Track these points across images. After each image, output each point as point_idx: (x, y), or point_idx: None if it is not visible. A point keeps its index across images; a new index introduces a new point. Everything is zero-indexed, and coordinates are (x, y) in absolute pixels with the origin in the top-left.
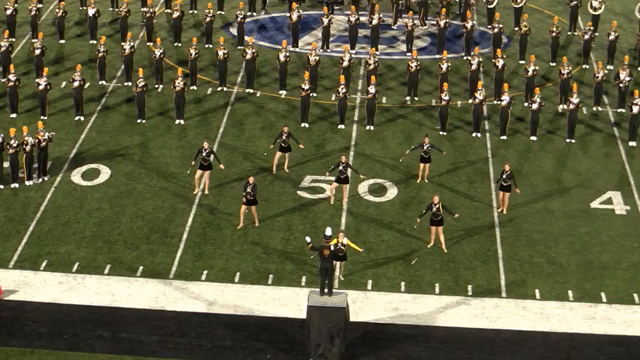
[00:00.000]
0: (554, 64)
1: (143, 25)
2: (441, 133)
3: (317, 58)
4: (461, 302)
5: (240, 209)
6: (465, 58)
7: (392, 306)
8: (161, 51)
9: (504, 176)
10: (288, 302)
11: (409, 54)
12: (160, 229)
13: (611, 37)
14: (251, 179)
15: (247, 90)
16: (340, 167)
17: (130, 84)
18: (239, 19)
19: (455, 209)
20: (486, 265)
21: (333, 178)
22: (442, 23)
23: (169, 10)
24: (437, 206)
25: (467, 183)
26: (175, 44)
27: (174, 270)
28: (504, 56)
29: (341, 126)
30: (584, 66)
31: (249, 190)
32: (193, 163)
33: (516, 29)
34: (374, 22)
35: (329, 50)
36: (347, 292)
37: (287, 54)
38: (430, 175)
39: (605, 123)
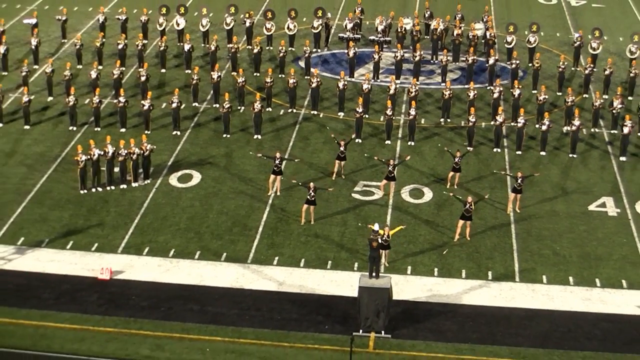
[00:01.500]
0: (560, 93)
1: (229, 58)
2: (469, 149)
3: (369, 86)
4: (483, 285)
5: (302, 207)
6: (488, 88)
7: (426, 288)
8: (243, 79)
9: (518, 181)
10: (343, 283)
11: (444, 84)
12: (240, 223)
13: (607, 72)
14: (312, 185)
15: (312, 112)
16: (389, 168)
17: (217, 105)
18: (306, 54)
19: (478, 210)
20: (503, 255)
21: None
22: (470, 59)
23: (250, 47)
24: (469, 205)
25: (489, 189)
26: (255, 74)
27: (251, 256)
28: (520, 86)
29: (388, 142)
30: (584, 95)
31: (311, 192)
32: (259, 155)
33: (530, 64)
34: (416, 58)
35: (379, 80)
36: (390, 276)
37: (345, 83)
38: (458, 183)
39: (601, 142)
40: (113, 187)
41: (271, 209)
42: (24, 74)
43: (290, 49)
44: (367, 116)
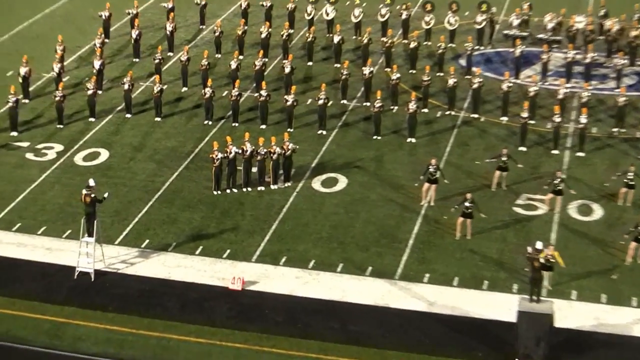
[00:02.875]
0: None
1: (382, 53)
2: None
3: (536, 89)
4: None
5: (457, 220)
6: None
7: (593, 315)
8: (397, 76)
9: None
10: (500, 306)
11: (618, 89)
12: (388, 234)
13: None
14: (469, 195)
15: (472, 115)
16: (555, 181)
17: (368, 104)
18: (468, 51)
19: None
20: None
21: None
22: None
23: (406, 41)
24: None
25: None
26: (410, 71)
27: (399, 271)
28: None
29: (555, 151)
30: None
31: (467, 204)
32: (422, 177)
33: None
34: (588, 60)
35: (546, 83)
36: (553, 301)
37: (510, 85)
38: (633, 200)
39: None
40: (250, 189)
41: (423, 220)
42: (157, 61)
43: (450, 45)
44: (532, 122)
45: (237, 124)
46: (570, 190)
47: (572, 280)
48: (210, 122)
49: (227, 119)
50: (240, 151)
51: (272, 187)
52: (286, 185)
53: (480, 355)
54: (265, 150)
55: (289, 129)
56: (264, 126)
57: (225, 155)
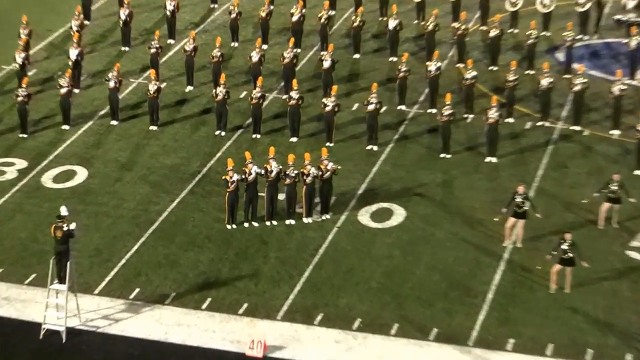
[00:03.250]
0: None
1: (453, 43)
2: None
3: None
4: None
5: (553, 268)
6: None
7: None
8: (474, 74)
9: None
10: None
11: None
12: (460, 285)
13: None
14: (568, 236)
15: (573, 128)
16: None
17: (434, 111)
18: (567, 42)
19: None
20: None
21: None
22: None
23: (486, 27)
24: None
25: None
26: (491, 68)
27: (474, 335)
28: None
29: None
30: None
31: (565, 247)
32: (505, 210)
33: None
34: None
35: None
36: None
37: (623, 87)
38: None
39: None
40: (275, 223)
41: (507, 267)
42: (153, 51)
43: (544, 33)
44: None
45: (259, 136)
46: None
47: None
48: (223, 133)
49: (246, 128)
50: (262, 172)
51: (305, 220)
52: (324, 218)
53: None
54: (296, 171)
55: (328, 143)
56: (294, 139)
57: (244, 177)
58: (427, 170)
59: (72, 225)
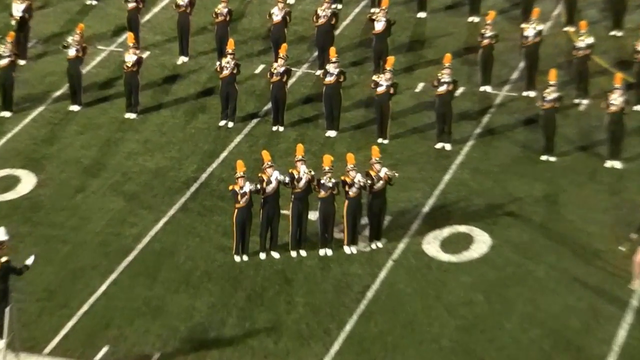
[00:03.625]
0: None
1: None
2: None
3: None
4: None
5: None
6: None
7: None
8: (589, 42)
9: None
10: None
11: None
12: (570, 345)
13: None
14: None
15: None
16: None
17: (533, 94)
18: None
19: None
20: None
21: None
22: None
23: None
24: None
25: None
26: (613, 33)
27: None
28: None
29: None
30: None
31: None
32: (635, 236)
33: None
34: None
35: None
36: None
37: None
38: None
39: None
40: (304, 253)
41: (637, 320)
42: (130, 5)
43: None
44: None
45: (281, 128)
46: None
47: None
48: (230, 124)
49: (264, 117)
50: (287, 180)
51: (348, 249)
52: (374, 246)
53: None
54: (335, 180)
55: (380, 140)
56: (332, 133)
57: (259, 187)
58: (522, 178)
59: (29, 260)
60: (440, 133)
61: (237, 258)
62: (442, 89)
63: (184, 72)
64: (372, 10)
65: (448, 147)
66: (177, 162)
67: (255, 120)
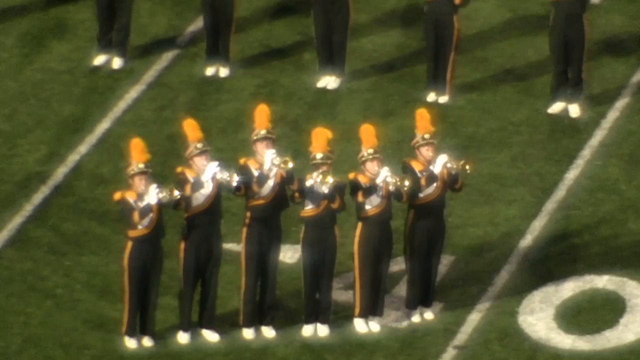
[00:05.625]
0: None
1: None
2: None
3: None
4: None
5: None
6: None
7: None
8: None
9: None
10: None
11: None
12: None
13: None
14: None
15: None
16: None
17: None
18: None
19: None
20: None
21: None
22: None
23: None
24: None
25: None
26: None
27: None
28: None
29: None
30: None
31: None
32: None
33: None
34: None
35: None
36: None
37: None
38: None
39: None
40: (271, 333)
41: None
42: None
43: None
44: None
45: (224, 70)
46: None
47: None
48: (119, 61)
49: (189, 48)
50: (235, 182)
51: (362, 325)
52: (418, 319)
53: None
54: (335, 180)
55: (433, 95)
56: (332, 80)
57: (179, 194)
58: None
59: None
60: (561, 82)
61: (130, 343)
62: None
63: None
64: None
65: (575, 111)
66: (4, 141)
67: (170, 55)
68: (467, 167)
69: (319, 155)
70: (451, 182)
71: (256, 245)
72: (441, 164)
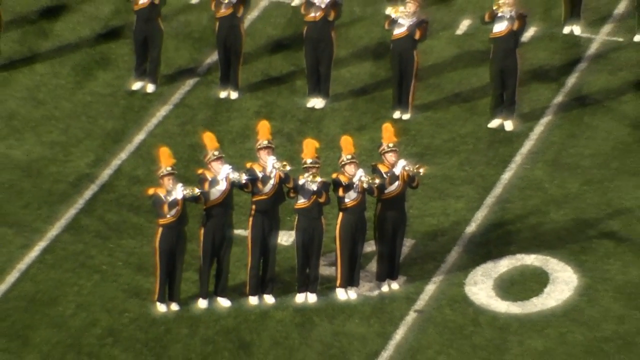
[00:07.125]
0: None
1: None
2: None
3: None
4: None
5: None
6: None
7: None
8: None
9: None
10: None
11: None
12: None
13: None
14: None
15: None
16: None
17: None
18: None
19: None
20: None
21: None
22: None
23: None
24: None
25: None
26: None
27: None
28: None
29: None
30: None
31: None
32: None
33: None
34: None
35: None
36: None
37: None
38: None
39: None
40: (271, 299)
41: None
42: None
43: None
44: None
45: (234, 94)
46: None
47: None
48: (151, 87)
49: (206, 77)
50: (244, 180)
51: (343, 294)
52: (387, 289)
53: None
54: (322, 179)
55: (398, 113)
56: (318, 101)
57: (199, 191)
58: (633, 178)
59: None
60: (498, 103)
61: (161, 308)
62: (500, 28)
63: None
64: None
65: (509, 126)
66: (61, 149)
67: (191, 81)
68: (421, 169)
69: (308, 160)
70: (409, 181)
71: (259, 231)
72: (401, 166)
